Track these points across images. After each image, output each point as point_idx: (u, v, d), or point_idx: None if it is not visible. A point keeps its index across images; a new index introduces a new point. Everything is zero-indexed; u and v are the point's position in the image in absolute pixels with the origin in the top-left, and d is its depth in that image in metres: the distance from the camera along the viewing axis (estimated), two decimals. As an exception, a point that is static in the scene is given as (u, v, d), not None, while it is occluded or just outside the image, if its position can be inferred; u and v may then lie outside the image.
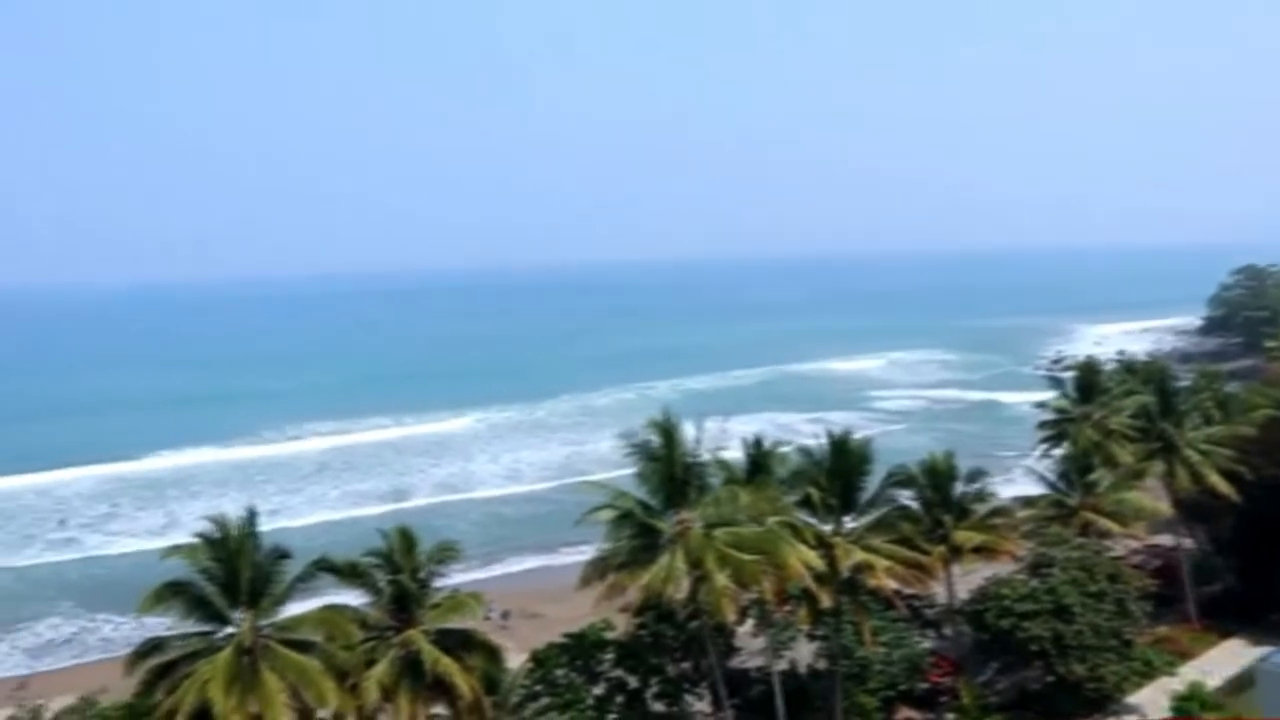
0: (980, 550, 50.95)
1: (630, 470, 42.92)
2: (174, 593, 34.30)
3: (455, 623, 39.40)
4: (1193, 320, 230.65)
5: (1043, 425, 71.71)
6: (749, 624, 50.67)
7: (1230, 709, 48.16)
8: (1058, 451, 66.12)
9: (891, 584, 45.85)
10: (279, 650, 34.37)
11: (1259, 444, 62.86)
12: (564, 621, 56.08)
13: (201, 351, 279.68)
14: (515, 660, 46.95)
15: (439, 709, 38.70)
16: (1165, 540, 67.97)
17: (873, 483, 46.91)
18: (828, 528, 46.20)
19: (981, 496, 52.38)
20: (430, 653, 36.77)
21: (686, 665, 48.83)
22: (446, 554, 39.08)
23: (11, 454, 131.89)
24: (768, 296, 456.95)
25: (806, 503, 46.11)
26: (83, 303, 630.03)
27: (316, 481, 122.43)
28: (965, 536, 50.46)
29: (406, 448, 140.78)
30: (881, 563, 44.63)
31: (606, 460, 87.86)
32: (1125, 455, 62.89)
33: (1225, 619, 61.08)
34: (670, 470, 41.62)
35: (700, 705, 49.81)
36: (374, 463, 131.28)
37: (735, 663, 51.48)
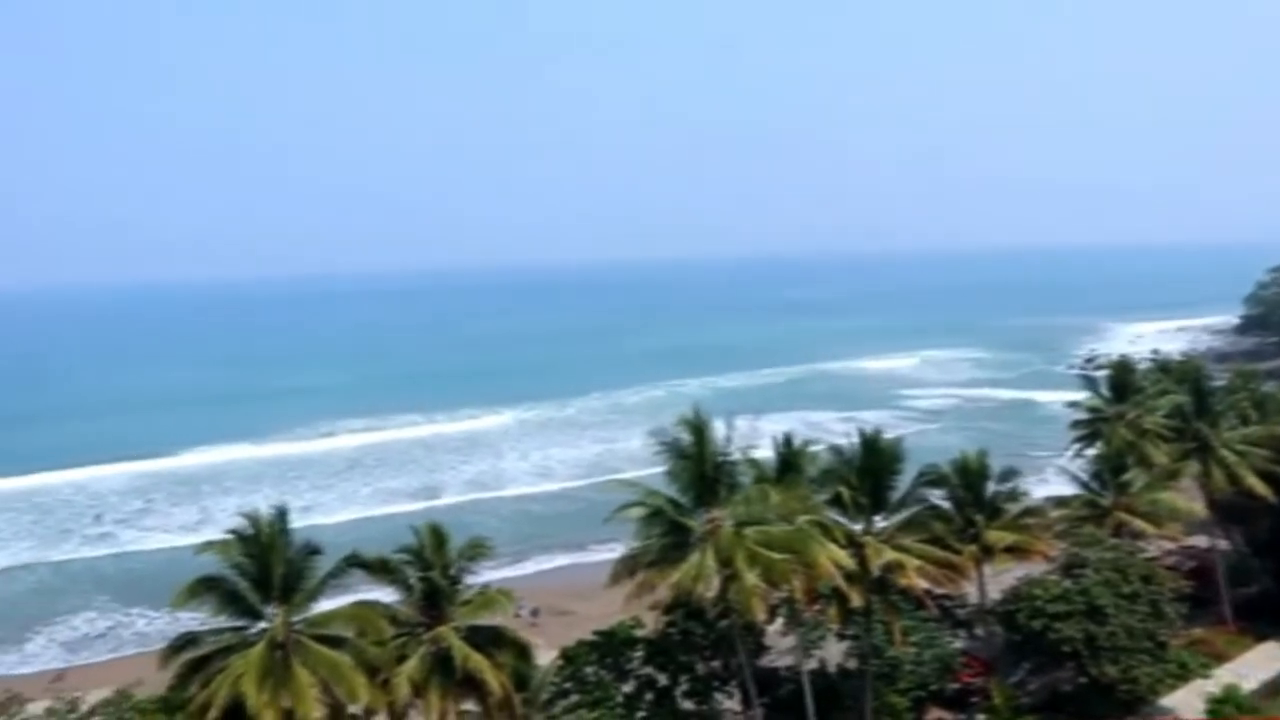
0: (1012, 550, 50.63)
1: (661, 468, 42.93)
2: (207, 588, 34.59)
3: (485, 619, 39.55)
4: (1229, 319, 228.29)
5: (1076, 425, 71.22)
6: (779, 623, 50.55)
7: (1266, 712, 47.73)
8: (1091, 451, 65.68)
9: (922, 583, 45.57)
10: (311, 645, 34.59)
11: (1296, 444, 62.14)
12: (594, 619, 56.20)
13: (233, 350, 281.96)
14: (545, 657, 47.06)
15: (469, 705, 38.86)
16: (1200, 541, 67.30)
17: (904, 482, 46.65)
18: (858, 527, 46.01)
19: (1014, 496, 52.03)
20: (460, 649, 36.91)
21: (716, 663, 48.78)
22: (477, 551, 39.21)
23: (49, 450, 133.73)
24: (801, 295, 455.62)
25: (837, 501, 45.92)
26: (112, 302, 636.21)
27: (348, 478, 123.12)
28: (997, 536, 50.16)
29: (437, 445, 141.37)
30: (912, 562, 44.39)
31: (637, 458, 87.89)
32: (1160, 455, 62.34)
33: (1261, 621, 60.38)
34: (701, 468, 41.57)
35: (729, 704, 49.75)
36: (405, 460, 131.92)
37: (765, 661, 51.43)
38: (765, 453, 47.46)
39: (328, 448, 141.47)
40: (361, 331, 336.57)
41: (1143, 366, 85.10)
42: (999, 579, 55.55)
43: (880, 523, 46.52)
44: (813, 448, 48.51)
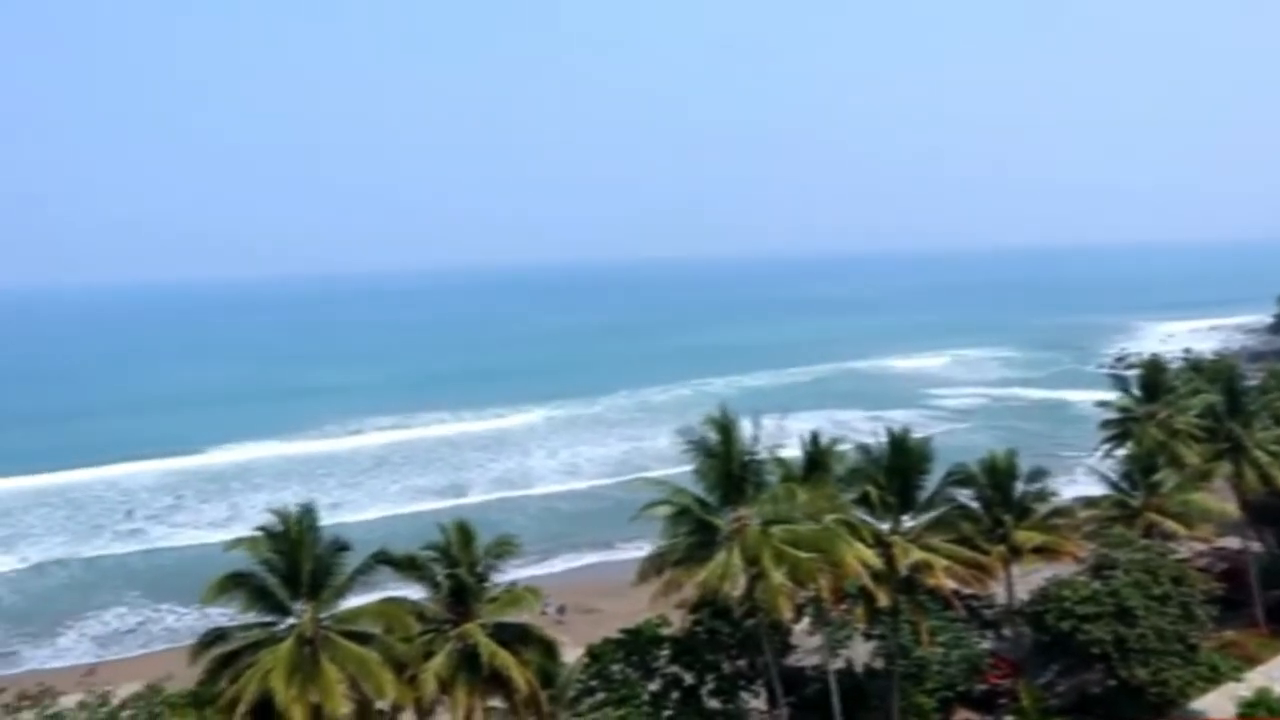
0: (1041, 551, 50.29)
1: (688, 467, 42.92)
2: (237, 584, 34.81)
3: (512, 617, 39.61)
4: (1262, 318, 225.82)
5: (1106, 424, 70.66)
6: (805, 622, 50.55)
7: (1299, 715, 47.19)
8: (1121, 451, 65.15)
9: (950, 584, 45.35)
10: (339, 641, 34.76)
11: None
12: (620, 617, 56.23)
13: (259, 348, 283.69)
14: (571, 655, 47.07)
15: (495, 702, 38.93)
16: (1232, 543, 66.68)
17: (932, 481, 46.48)
18: (886, 526, 45.85)
19: (1043, 496, 51.62)
20: (487, 646, 36.99)
21: (742, 662, 48.75)
22: (504, 548, 39.25)
23: (81, 447, 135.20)
24: (823, 292, 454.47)
25: (864, 501, 45.78)
26: (130, 302, 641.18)
27: (376, 476, 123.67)
28: (1026, 536, 49.84)
29: (464, 443, 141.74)
30: (940, 562, 44.20)
31: (664, 456, 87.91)
32: (1191, 456, 61.81)
33: (1294, 624, 59.90)
34: (728, 467, 41.55)
35: (756, 703, 49.69)
36: (432, 458, 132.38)
37: (791, 660, 51.38)
38: (792, 452, 47.33)
39: (355, 445, 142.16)
40: (384, 330, 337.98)
41: (1174, 366, 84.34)
42: (1027, 579, 55.23)
43: (908, 522, 46.37)
44: (840, 447, 48.37)
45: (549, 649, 40.40)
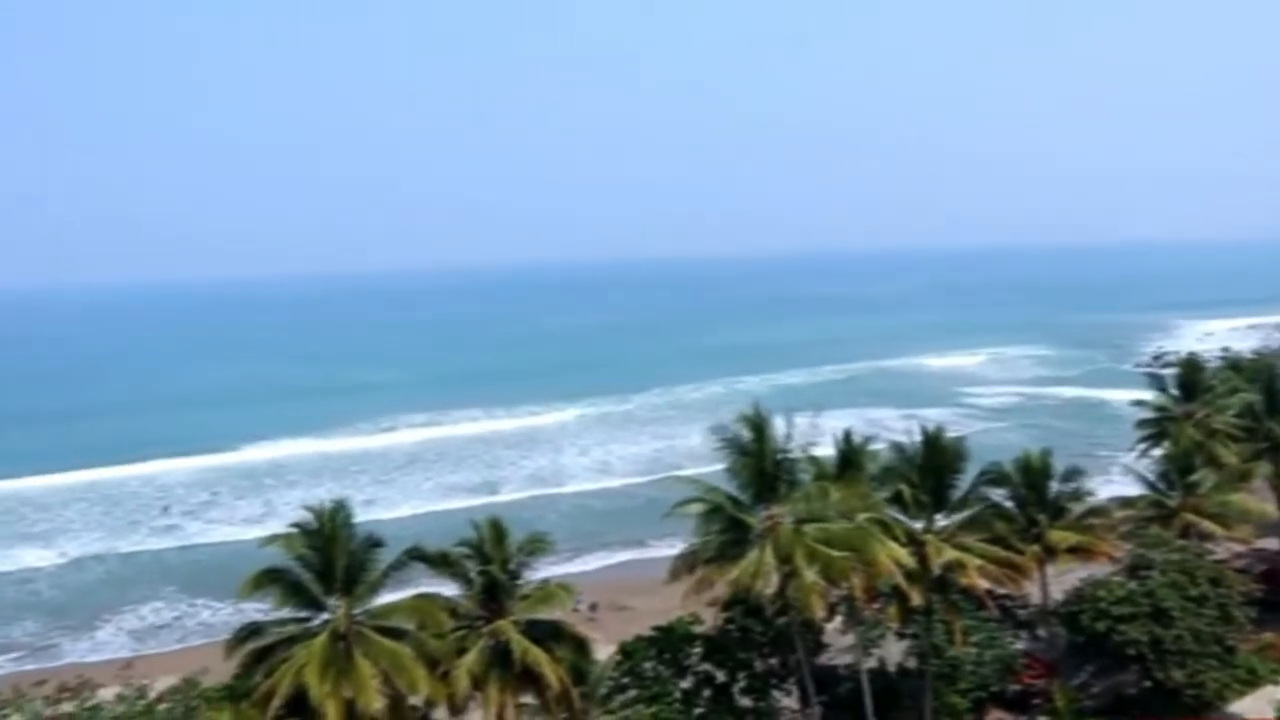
0: (1076, 551, 50.00)
1: (721, 465, 42.88)
2: (272, 579, 35.08)
3: (544, 614, 39.73)
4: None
5: (1142, 424, 70.11)
6: (837, 621, 50.40)
7: (1339, 720, 46.58)
8: (1157, 451, 64.58)
9: (984, 583, 45.10)
10: (372, 637, 34.97)
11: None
12: (652, 615, 56.27)
13: (290, 346, 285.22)
14: (603, 652, 47.15)
15: (528, 698, 39.06)
16: (1271, 544, 66.01)
17: (966, 480, 46.25)
18: (919, 525, 45.66)
19: (1078, 496, 51.31)
20: (519, 643, 37.11)
21: (774, 661, 48.69)
22: (537, 546, 39.36)
23: (118, 444, 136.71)
24: (864, 290, 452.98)
25: (898, 499, 45.62)
26: (155, 301, 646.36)
27: (409, 473, 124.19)
28: (1060, 536, 49.55)
29: (497, 440, 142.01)
30: (974, 561, 43.97)
31: (697, 454, 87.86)
32: (1229, 455, 61.24)
33: (1335, 626, 59.04)
34: (760, 465, 41.51)
35: (788, 701, 49.60)
36: (465, 455, 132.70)
37: (823, 659, 51.23)
38: (825, 450, 47.23)
39: (388, 443, 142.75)
40: (415, 328, 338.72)
41: (1212, 364, 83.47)
42: (1061, 580, 54.87)
43: (941, 521, 46.17)
44: (873, 445, 48.25)
45: (581, 646, 40.49)
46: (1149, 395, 72.13)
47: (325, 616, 35.39)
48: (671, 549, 48.43)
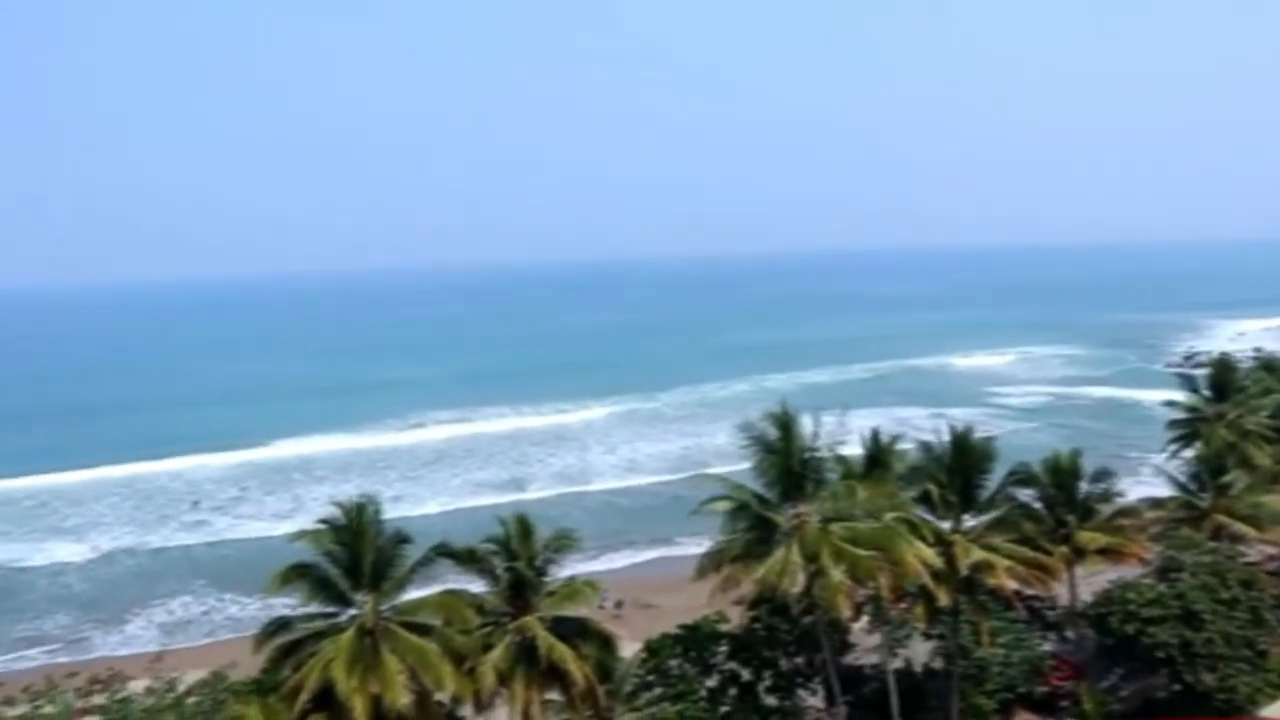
0: (1105, 552, 49.61)
1: (748, 464, 42.80)
2: (300, 575, 35.26)
3: (570, 610, 39.78)
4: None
5: (1173, 424, 69.52)
6: (864, 620, 50.21)
7: (1372, 724, 46.09)
8: (1189, 452, 64.04)
9: (1011, 584, 44.80)
10: (399, 632, 35.09)
11: None
12: (678, 612, 56.28)
13: (318, 344, 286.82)
14: (629, 649, 47.18)
15: (553, 695, 39.13)
16: (1305, 546, 65.28)
17: (994, 480, 46.00)
18: (946, 525, 45.44)
19: (1107, 497, 50.90)
20: (545, 639, 37.18)
21: (800, 660, 48.57)
22: (563, 543, 39.39)
23: (149, 440, 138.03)
24: (892, 289, 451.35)
25: (925, 499, 45.44)
26: (178, 299, 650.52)
27: (436, 469, 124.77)
28: (1089, 537, 49.19)
29: (524, 438, 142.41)
30: (1002, 562, 43.70)
31: (724, 453, 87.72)
32: (1263, 457, 60.68)
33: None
34: (787, 463, 41.36)
35: (813, 700, 49.50)
36: (493, 452, 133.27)
37: (849, 659, 51.07)
38: (853, 449, 47.08)
39: (416, 439, 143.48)
40: (442, 326, 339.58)
41: (1245, 365, 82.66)
42: (1090, 581, 54.49)
43: (969, 521, 45.92)
44: (901, 444, 48.09)
45: (607, 643, 40.52)
46: (1180, 395, 71.51)
47: (353, 612, 35.52)
48: (698, 547, 48.37)
